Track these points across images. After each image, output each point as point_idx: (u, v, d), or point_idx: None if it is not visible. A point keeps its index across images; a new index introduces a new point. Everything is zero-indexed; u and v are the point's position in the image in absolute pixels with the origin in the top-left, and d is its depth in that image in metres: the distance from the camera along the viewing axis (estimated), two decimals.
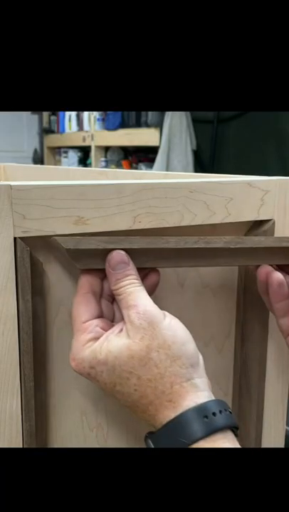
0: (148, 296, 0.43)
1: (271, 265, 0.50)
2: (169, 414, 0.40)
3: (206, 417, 0.39)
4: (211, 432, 0.39)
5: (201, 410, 0.40)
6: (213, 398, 0.41)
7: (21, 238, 0.41)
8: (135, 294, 0.43)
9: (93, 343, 0.42)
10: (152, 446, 0.41)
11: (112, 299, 0.46)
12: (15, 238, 0.41)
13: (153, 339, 0.41)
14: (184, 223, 0.49)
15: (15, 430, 0.43)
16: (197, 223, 0.50)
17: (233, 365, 0.60)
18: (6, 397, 0.42)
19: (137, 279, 0.44)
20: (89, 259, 0.44)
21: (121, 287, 0.43)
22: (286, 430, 0.63)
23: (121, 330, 0.42)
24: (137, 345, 0.40)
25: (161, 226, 0.48)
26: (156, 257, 0.46)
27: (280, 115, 2.17)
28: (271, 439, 0.61)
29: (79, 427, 0.50)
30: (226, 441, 0.40)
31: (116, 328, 0.43)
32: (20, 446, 0.43)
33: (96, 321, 0.43)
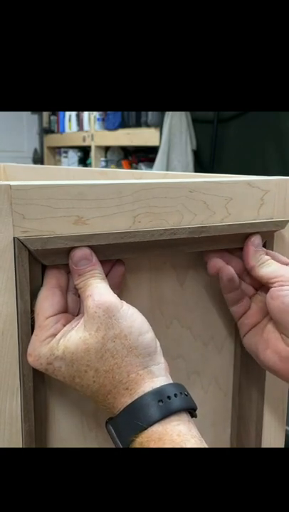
0: (107, 287, 0.43)
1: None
2: (126, 401, 0.41)
3: (161, 400, 0.41)
4: (166, 414, 0.40)
5: (156, 395, 0.41)
6: (170, 382, 0.43)
7: (21, 238, 0.41)
8: (93, 285, 0.43)
9: (51, 339, 0.42)
10: (112, 431, 0.42)
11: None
12: (14, 238, 0.41)
13: (109, 329, 0.41)
14: (183, 223, 0.49)
15: (14, 430, 0.43)
16: (197, 223, 0.50)
17: (233, 365, 0.60)
18: (6, 397, 0.42)
19: (98, 273, 0.44)
20: (56, 257, 0.44)
21: (82, 281, 0.43)
22: (286, 430, 0.63)
23: (78, 323, 0.43)
24: (92, 337, 0.41)
25: (161, 226, 0.48)
26: (123, 249, 0.47)
27: (280, 115, 2.16)
28: (271, 439, 0.61)
29: (79, 427, 0.50)
30: (181, 423, 0.41)
31: (74, 322, 0.43)
32: (20, 446, 0.43)
33: (58, 317, 0.43)
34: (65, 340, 0.42)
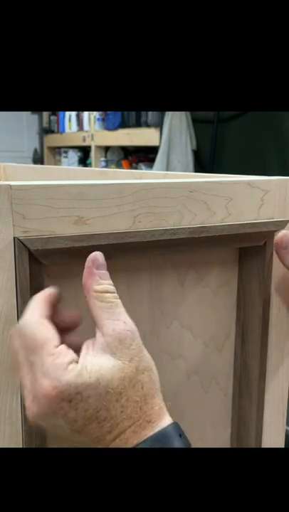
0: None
1: None
2: (147, 433, 0.39)
3: (180, 435, 0.40)
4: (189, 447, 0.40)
5: (177, 428, 0.40)
6: None
7: (21, 238, 0.41)
8: (123, 309, 0.40)
9: (75, 365, 0.38)
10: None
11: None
12: (14, 238, 0.41)
13: (141, 361, 0.40)
14: (184, 223, 0.49)
15: (15, 430, 0.43)
16: (197, 223, 0.50)
17: (233, 365, 0.60)
18: (6, 396, 0.42)
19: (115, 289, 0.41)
20: (56, 257, 0.44)
21: (106, 291, 0.40)
22: (286, 430, 0.63)
23: (97, 348, 0.39)
24: (127, 367, 0.39)
25: (162, 226, 0.48)
26: (123, 249, 0.47)
27: (280, 115, 2.16)
28: (271, 439, 0.61)
29: None
30: None
31: (88, 347, 0.40)
32: (20, 446, 0.43)
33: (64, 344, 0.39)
34: (96, 367, 0.38)
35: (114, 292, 0.40)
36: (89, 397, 0.37)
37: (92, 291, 0.40)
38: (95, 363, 0.38)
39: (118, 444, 0.39)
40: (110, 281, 0.41)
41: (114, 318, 0.40)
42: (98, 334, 0.40)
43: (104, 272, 0.41)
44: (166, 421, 0.40)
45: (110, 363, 0.38)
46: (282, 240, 0.53)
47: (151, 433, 0.39)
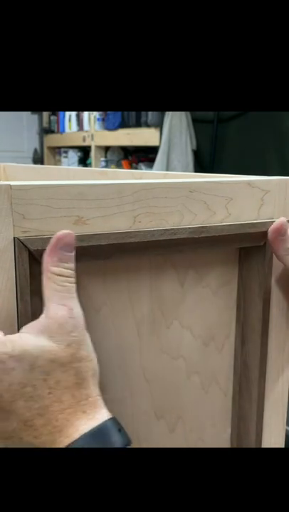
0: (78, 300, 0.41)
1: None
2: (82, 427, 0.38)
3: (120, 430, 0.40)
4: (127, 443, 0.40)
5: (116, 423, 0.40)
6: None
7: (21, 238, 0.41)
8: (73, 295, 0.40)
9: (1, 335, 0.38)
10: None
11: None
12: (14, 238, 0.41)
13: (80, 349, 0.39)
14: (183, 223, 0.49)
15: None
16: (197, 223, 0.50)
17: (233, 365, 0.60)
18: None
19: (74, 275, 0.41)
20: None
21: (61, 275, 0.40)
22: (286, 430, 0.63)
23: (34, 327, 0.39)
24: (62, 351, 0.38)
25: (162, 226, 0.48)
26: (123, 249, 0.47)
27: (280, 115, 2.16)
28: (271, 439, 0.61)
29: None
30: None
31: (27, 327, 0.40)
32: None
33: None
34: (22, 342, 0.38)
35: (69, 277, 0.40)
36: (13, 369, 0.37)
37: (47, 271, 0.40)
38: (23, 338, 0.38)
39: (52, 433, 0.38)
40: (70, 265, 0.40)
41: (61, 302, 0.40)
42: (42, 315, 0.40)
43: (67, 255, 0.40)
44: (104, 414, 0.40)
45: (41, 343, 0.38)
46: (281, 226, 0.52)
47: (88, 427, 0.38)
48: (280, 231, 0.52)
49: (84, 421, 0.39)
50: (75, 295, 0.41)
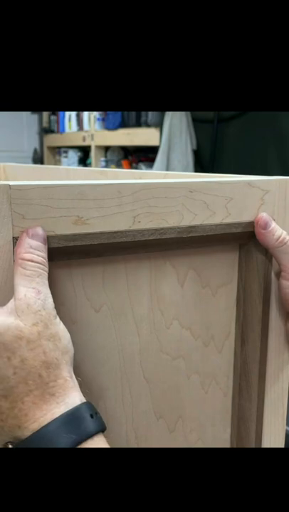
0: (48, 287, 0.41)
1: None
2: (53, 410, 0.37)
3: (92, 416, 0.39)
4: (101, 429, 0.39)
5: (89, 408, 0.39)
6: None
7: None
8: (43, 280, 0.40)
9: None
10: (37, 443, 0.37)
11: None
12: (14, 238, 0.41)
13: (46, 327, 0.38)
14: (183, 223, 0.49)
15: None
16: (197, 223, 0.50)
17: (233, 365, 0.60)
18: None
19: (47, 264, 0.41)
20: (56, 256, 0.44)
21: (32, 260, 0.40)
22: (286, 430, 0.63)
23: (3, 309, 0.39)
24: (28, 328, 0.38)
25: (161, 226, 0.48)
26: (123, 249, 0.47)
27: (280, 115, 2.16)
28: (271, 439, 0.61)
29: None
30: (104, 439, 0.39)
31: (1, 310, 0.39)
32: None
33: None
34: None
35: (40, 263, 0.40)
36: None
37: (18, 258, 0.40)
38: None
39: (18, 417, 0.37)
40: (42, 253, 0.41)
41: (30, 285, 0.39)
42: (11, 300, 0.40)
43: (38, 244, 0.41)
44: (75, 398, 0.38)
45: (7, 320, 0.38)
46: (261, 219, 0.53)
47: (58, 412, 0.37)
48: (261, 225, 0.53)
49: (53, 405, 0.37)
50: (45, 281, 0.40)
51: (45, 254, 0.41)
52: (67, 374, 0.39)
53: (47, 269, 0.41)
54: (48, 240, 0.42)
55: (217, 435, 0.60)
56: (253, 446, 0.60)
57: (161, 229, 0.48)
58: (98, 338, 0.50)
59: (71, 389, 0.39)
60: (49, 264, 0.44)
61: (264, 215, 0.53)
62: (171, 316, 0.54)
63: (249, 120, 2.31)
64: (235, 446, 0.61)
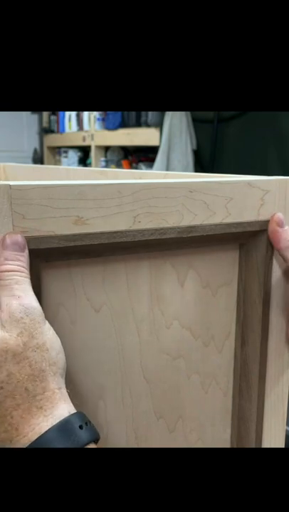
0: (33, 293, 0.40)
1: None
2: (40, 424, 0.37)
3: (81, 426, 0.38)
4: (93, 439, 0.38)
5: (80, 418, 0.38)
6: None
7: None
8: (23, 286, 0.39)
9: None
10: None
11: None
12: None
13: (32, 337, 0.38)
14: (183, 223, 0.49)
15: None
16: (197, 223, 0.50)
17: (233, 365, 0.60)
18: None
19: (26, 270, 0.40)
20: (55, 256, 0.44)
21: (8, 270, 0.39)
22: (286, 430, 0.63)
23: None
24: (13, 340, 0.37)
25: (161, 226, 0.48)
26: (123, 249, 0.47)
27: (280, 115, 2.16)
28: (271, 439, 0.61)
29: None
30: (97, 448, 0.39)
31: None
32: None
33: None
34: None
35: (18, 271, 0.40)
36: None
37: None
38: None
39: (9, 431, 0.36)
40: (19, 262, 0.40)
41: (11, 294, 0.39)
42: None
43: (13, 253, 0.40)
44: (64, 410, 0.38)
45: None
46: (279, 218, 0.54)
47: (46, 424, 0.36)
48: (278, 223, 0.54)
49: (41, 418, 0.37)
50: (26, 286, 0.40)
51: (23, 261, 0.40)
52: (55, 386, 0.38)
53: (26, 274, 0.40)
54: (48, 240, 0.42)
55: (217, 435, 0.60)
56: (253, 446, 0.60)
57: (161, 229, 0.48)
58: (98, 338, 0.50)
59: (59, 400, 0.38)
60: (49, 264, 0.44)
61: (280, 215, 0.54)
62: (171, 316, 0.54)
63: (249, 120, 2.31)
64: (235, 446, 0.61)
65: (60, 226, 0.43)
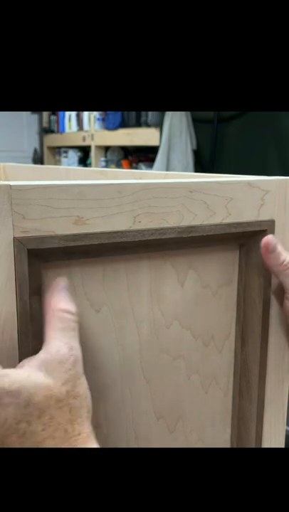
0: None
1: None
2: None
3: None
4: None
5: None
6: None
7: (20, 238, 0.41)
8: (76, 334, 0.41)
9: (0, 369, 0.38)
10: None
11: None
12: (14, 238, 0.41)
13: (75, 386, 0.39)
14: (184, 223, 0.49)
15: None
16: (197, 223, 0.50)
17: (233, 365, 0.60)
18: None
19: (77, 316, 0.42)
20: (55, 257, 0.44)
21: (68, 311, 0.41)
22: (286, 430, 0.63)
23: (33, 363, 0.39)
24: (57, 388, 0.39)
25: (161, 226, 0.48)
26: (123, 249, 0.47)
27: (280, 115, 2.16)
28: (271, 439, 0.61)
29: None
30: None
31: (31, 361, 0.40)
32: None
33: None
34: (19, 377, 0.38)
35: (74, 315, 0.41)
36: (8, 405, 0.37)
37: (54, 309, 0.41)
38: (21, 374, 0.38)
39: None
40: (73, 305, 0.42)
41: (64, 340, 0.40)
42: (42, 351, 0.40)
43: (69, 295, 0.42)
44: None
45: (39, 380, 0.38)
46: (268, 243, 0.53)
47: None
48: (267, 248, 0.53)
49: None
50: (77, 335, 0.41)
51: (70, 297, 0.42)
52: (89, 428, 0.40)
53: (78, 319, 0.42)
54: (48, 239, 0.42)
55: (217, 435, 0.60)
56: (253, 446, 0.60)
57: (162, 229, 0.48)
58: (98, 338, 0.50)
59: (91, 441, 0.40)
60: (49, 264, 0.44)
61: (271, 238, 0.53)
62: (171, 316, 0.54)
63: (249, 120, 2.31)
64: (235, 447, 0.61)
65: (61, 226, 0.43)
